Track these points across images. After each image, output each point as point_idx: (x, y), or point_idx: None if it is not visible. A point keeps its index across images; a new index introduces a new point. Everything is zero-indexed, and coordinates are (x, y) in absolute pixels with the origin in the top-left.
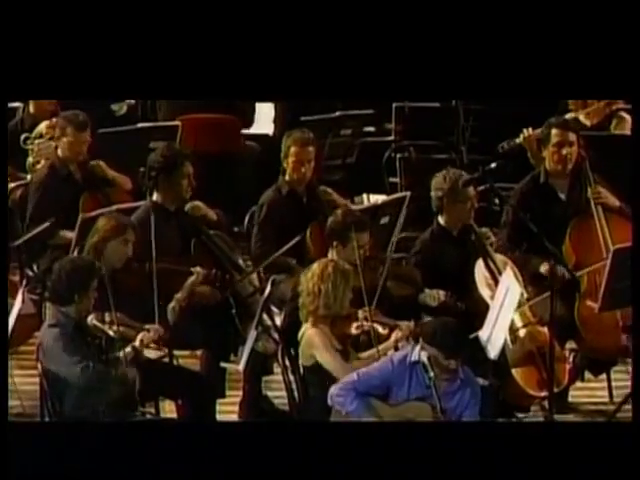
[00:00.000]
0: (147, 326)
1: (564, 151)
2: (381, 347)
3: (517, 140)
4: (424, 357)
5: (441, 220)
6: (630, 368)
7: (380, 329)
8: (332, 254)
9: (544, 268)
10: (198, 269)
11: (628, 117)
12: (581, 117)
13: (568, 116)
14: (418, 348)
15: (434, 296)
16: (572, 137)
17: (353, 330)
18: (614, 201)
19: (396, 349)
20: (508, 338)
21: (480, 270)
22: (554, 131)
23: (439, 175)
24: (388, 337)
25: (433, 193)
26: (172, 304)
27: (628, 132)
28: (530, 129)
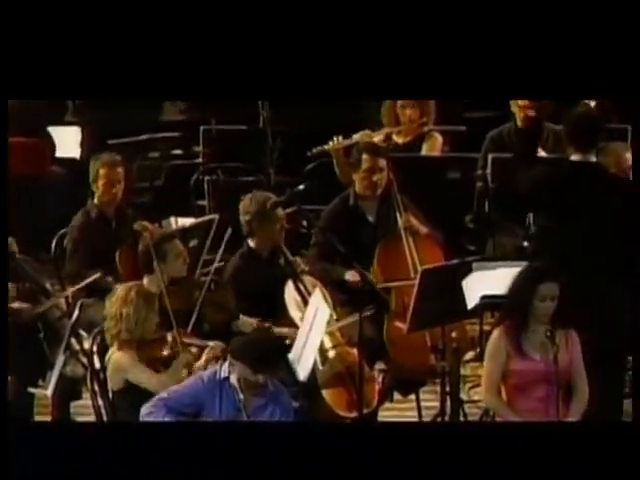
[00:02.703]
0: None
1: (374, 177)
2: (198, 364)
3: (326, 147)
4: (233, 378)
5: (251, 243)
6: (440, 388)
7: (191, 350)
8: (145, 278)
9: (349, 276)
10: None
11: (439, 137)
12: (393, 135)
13: (378, 137)
14: (227, 364)
15: (247, 323)
16: (382, 163)
17: (164, 352)
18: (423, 229)
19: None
20: (318, 359)
21: (290, 292)
22: (365, 156)
23: (246, 198)
24: (199, 358)
25: (241, 217)
26: None
27: (439, 152)
28: (340, 138)
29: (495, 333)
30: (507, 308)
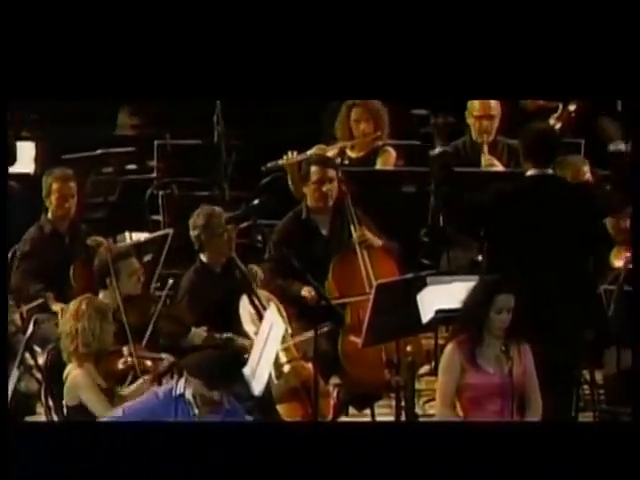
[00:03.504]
0: None
1: (324, 188)
2: (145, 377)
3: (280, 162)
4: (189, 395)
5: (203, 257)
6: (395, 402)
7: (146, 363)
8: (101, 293)
9: (305, 292)
10: None
11: (393, 151)
12: (347, 150)
13: (332, 152)
14: (183, 380)
15: (198, 334)
16: (331, 173)
17: (120, 366)
18: (377, 242)
19: (160, 382)
20: (273, 373)
21: (244, 306)
22: (313, 168)
23: (195, 213)
24: (153, 370)
25: (191, 232)
26: None
27: (392, 167)
28: (294, 153)
29: (449, 346)
30: (462, 321)
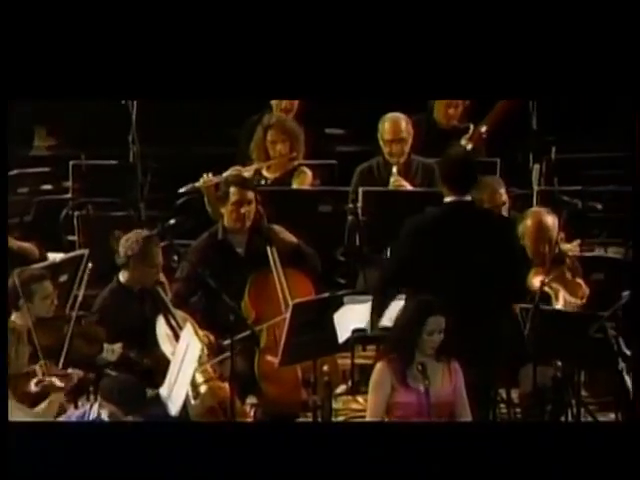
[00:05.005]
0: None
1: (243, 209)
2: (53, 397)
3: (196, 184)
4: (104, 416)
5: (122, 277)
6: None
7: (57, 382)
8: (14, 314)
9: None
10: None
11: (309, 172)
12: (263, 171)
13: (248, 173)
14: (97, 405)
15: (112, 350)
16: (250, 195)
17: (32, 387)
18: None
19: (73, 399)
20: (190, 394)
21: (161, 326)
22: (232, 189)
23: (131, 234)
24: (64, 387)
25: (121, 250)
26: None
27: (308, 186)
28: (210, 174)
29: (379, 365)
30: (393, 341)
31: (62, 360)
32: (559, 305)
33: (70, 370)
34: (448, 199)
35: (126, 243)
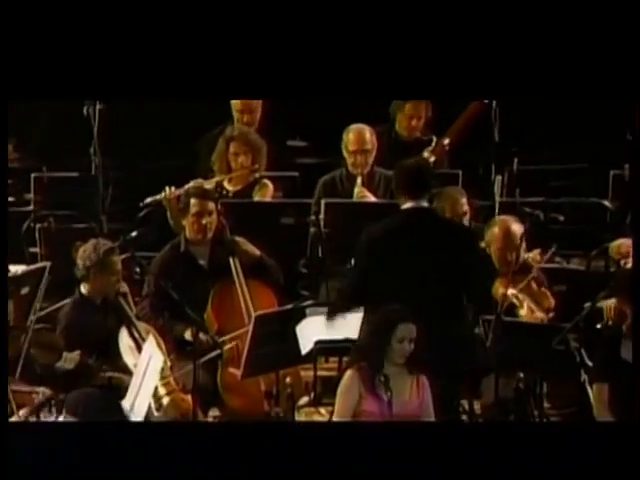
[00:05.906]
0: None
1: (204, 220)
2: (21, 413)
3: (158, 197)
4: None
5: (84, 289)
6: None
7: (22, 397)
8: None
9: (188, 334)
10: None
11: (270, 184)
12: (225, 183)
13: (209, 185)
14: (62, 418)
15: (70, 358)
16: (211, 206)
17: None
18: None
19: (38, 416)
20: (152, 405)
21: (124, 338)
22: (193, 201)
23: (88, 244)
24: (30, 403)
25: (80, 261)
26: None
27: (270, 198)
28: (172, 188)
29: (348, 373)
30: (362, 349)
31: (19, 370)
32: (523, 315)
33: (38, 389)
34: (405, 206)
35: (84, 254)
